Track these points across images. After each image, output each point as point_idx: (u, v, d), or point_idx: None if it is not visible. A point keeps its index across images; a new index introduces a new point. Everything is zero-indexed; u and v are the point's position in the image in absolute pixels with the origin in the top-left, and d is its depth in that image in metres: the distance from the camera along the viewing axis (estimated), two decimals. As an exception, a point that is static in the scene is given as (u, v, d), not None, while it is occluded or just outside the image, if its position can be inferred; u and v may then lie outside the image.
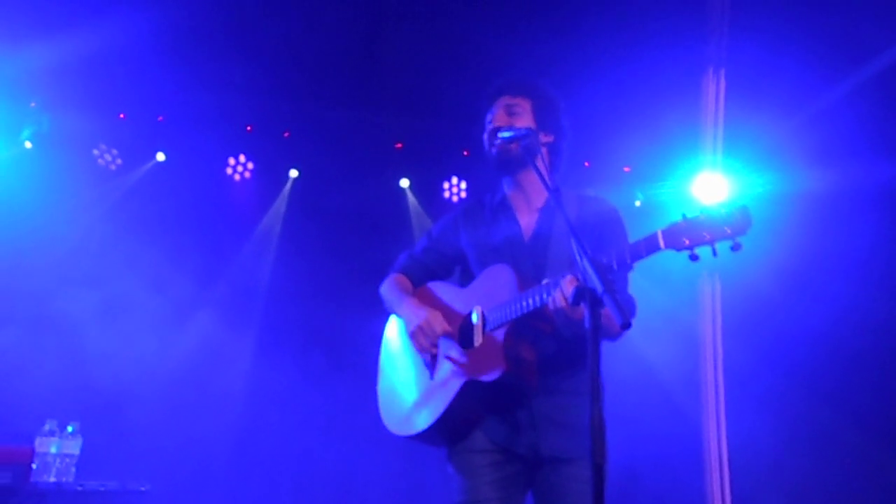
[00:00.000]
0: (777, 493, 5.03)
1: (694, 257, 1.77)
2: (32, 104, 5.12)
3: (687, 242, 1.77)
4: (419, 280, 2.55)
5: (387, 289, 2.57)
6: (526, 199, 2.43)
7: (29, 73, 4.80)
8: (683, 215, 1.79)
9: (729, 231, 1.72)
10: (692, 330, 5.43)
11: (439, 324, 2.29)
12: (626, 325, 1.55)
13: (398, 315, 2.47)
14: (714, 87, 5.00)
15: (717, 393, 5.26)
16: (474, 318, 2.23)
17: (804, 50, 4.52)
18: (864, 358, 4.80)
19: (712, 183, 5.32)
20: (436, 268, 2.54)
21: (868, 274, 4.86)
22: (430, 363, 2.32)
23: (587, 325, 1.61)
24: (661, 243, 1.82)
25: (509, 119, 2.39)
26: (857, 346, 4.81)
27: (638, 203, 5.83)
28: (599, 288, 1.61)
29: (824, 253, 4.97)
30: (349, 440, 5.14)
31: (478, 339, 2.19)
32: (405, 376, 2.42)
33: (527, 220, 2.40)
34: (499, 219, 2.43)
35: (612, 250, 1.89)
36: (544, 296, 2.00)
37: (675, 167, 5.56)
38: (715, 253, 1.75)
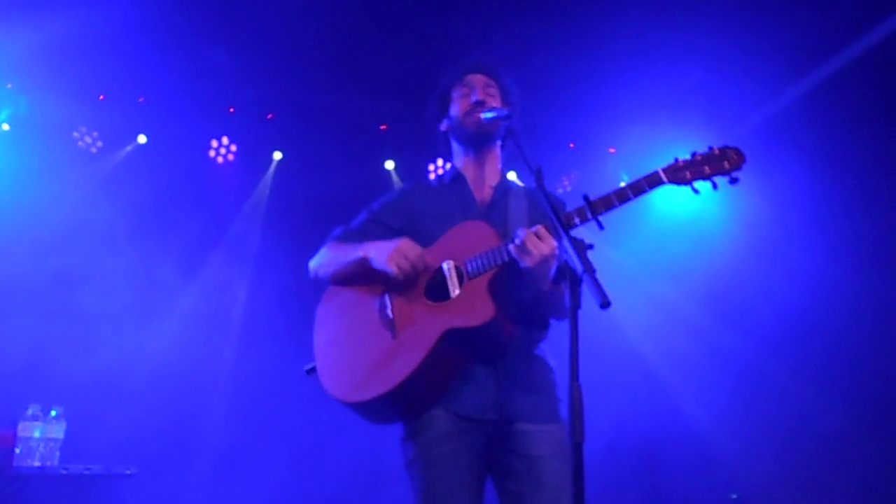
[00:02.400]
0: (754, 471, 5.10)
1: (696, 191, 1.92)
2: (9, 86, 5.04)
3: (689, 176, 1.92)
4: None
5: (324, 252, 2.41)
6: (481, 175, 2.44)
7: (5, 55, 4.71)
8: (676, 158, 1.94)
9: (727, 166, 1.89)
10: (672, 306, 5.50)
11: (416, 247, 2.20)
12: (606, 304, 1.56)
13: (358, 257, 2.27)
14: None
15: (694, 370, 5.36)
16: (446, 270, 2.20)
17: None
18: (842, 335, 4.83)
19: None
20: (376, 239, 2.34)
21: (845, 249, 4.89)
22: (390, 324, 2.20)
23: (567, 303, 1.63)
24: (664, 178, 1.95)
25: (490, 101, 2.41)
26: (835, 323, 4.84)
27: (623, 185, 5.85)
28: (579, 267, 1.62)
29: (800, 228, 5.02)
30: (341, 423, 5.14)
31: (454, 290, 2.17)
32: (357, 341, 2.24)
33: (481, 195, 2.42)
34: (452, 191, 2.44)
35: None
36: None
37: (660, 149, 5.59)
38: (715, 186, 1.91)
